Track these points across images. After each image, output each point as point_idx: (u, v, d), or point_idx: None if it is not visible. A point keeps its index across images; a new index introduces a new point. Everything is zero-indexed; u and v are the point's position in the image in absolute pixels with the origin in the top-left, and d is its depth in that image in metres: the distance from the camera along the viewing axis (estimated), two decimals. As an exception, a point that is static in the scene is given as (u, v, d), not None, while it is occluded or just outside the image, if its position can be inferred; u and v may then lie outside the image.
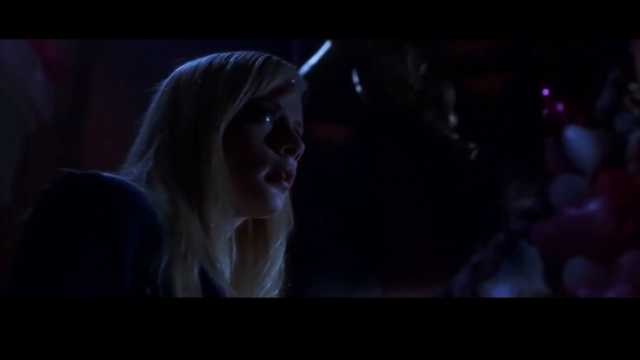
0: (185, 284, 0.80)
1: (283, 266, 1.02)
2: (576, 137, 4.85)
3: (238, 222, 0.98)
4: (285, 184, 0.95)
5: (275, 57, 0.99)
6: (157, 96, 0.99)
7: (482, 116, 6.00)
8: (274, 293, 1.02)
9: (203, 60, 0.98)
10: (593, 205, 4.37)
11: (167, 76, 1.05)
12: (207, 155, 0.89)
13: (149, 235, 0.81)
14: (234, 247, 0.99)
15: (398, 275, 5.89)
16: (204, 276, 0.84)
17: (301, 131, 1.00)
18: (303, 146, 0.95)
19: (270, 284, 1.00)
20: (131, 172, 0.91)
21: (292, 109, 0.97)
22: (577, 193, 4.62)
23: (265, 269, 1.00)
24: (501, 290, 5.45)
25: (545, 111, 5.09)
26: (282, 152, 0.94)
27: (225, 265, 0.92)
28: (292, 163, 0.97)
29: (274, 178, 0.93)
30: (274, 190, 0.93)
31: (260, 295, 1.00)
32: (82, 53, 5.30)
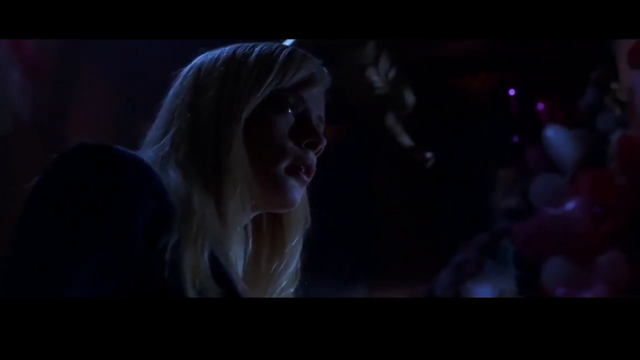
0: (195, 265, 0.78)
1: (299, 265, 1.01)
2: (556, 136, 4.84)
3: (254, 213, 0.97)
4: (305, 178, 0.93)
5: (300, 50, 0.98)
6: (176, 83, 0.97)
7: (468, 115, 6.00)
8: (290, 291, 1.01)
9: (226, 49, 0.96)
10: (571, 205, 4.36)
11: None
12: (227, 144, 0.88)
13: (161, 213, 0.78)
14: (250, 239, 0.97)
15: (384, 274, 5.89)
16: (215, 261, 0.82)
17: (322, 127, 0.99)
18: (325, 141, 0.94)
19: (286, 282, 0.99)
20: (147, 155, 0.89)
21: (315, 103, 0.96)
22: (557, 192, 4.61)
23: (281, 267, 0.99)
24: (483, 290, 5.45)
25: (526, 110, 5.08)
26: (303, 145, 0.93)
27: (239, 256, 0.91)
28: (312, 158, 0.95)
29: (294, 171, 0.92)
30: (293, 182, 0.92)
31: (276, 293, 0.98)
32: (63, 52, 5.29)
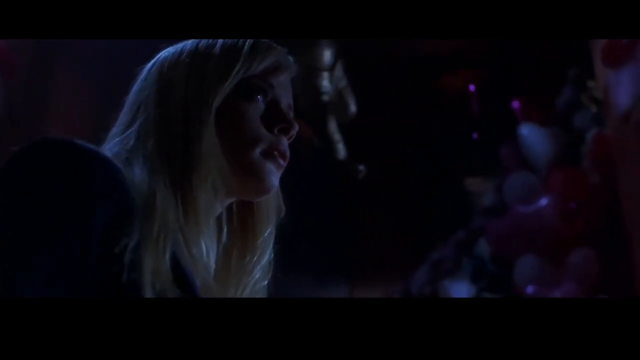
0: (156, 267, 0.76)
1: (272, 257, 1.00)
2: (531, 134, 4.84)
3: (228, 202, 0.96)
4: (281, 162, 0.93)
5: (265, 40, 0.98)
6: (140, 79, 0.97)
7: (444, 114, 6.00)
8: (263, 284, 0.99)
9: (189, 43, 0.96)
10: (542, 203, 4.36)
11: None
12: (198, 135, 0.87)
13: (121, 212, 0.76)
14: (224, 230, 0.96)
15: (361, 271, 5.90)
16: (176, 262, 0.80)
17: (292, 113, 0.99)
18: (297, 126, 0.94)
19: (259, 274, 0.98)
20: (109, 148, 0.89)
21: (284, 90, 0.96)
22: (530, 190, 4.61)
23: (254, 259, 0.98)
24: (460, 287, 5.45)
25: (501, 108, 5.08)
26: (275, 131, 0.93)
27: (211, 249, 0.89)
28: (285, 143, 0.95)
29: (269, 155, 0.92)
30: (270, 166, 0.92)
31: (249, 286, 0.97)
32: (39, 46, 5.28)
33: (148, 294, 0.75)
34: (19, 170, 0.75)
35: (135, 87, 0.96)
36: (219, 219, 0.94)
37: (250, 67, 0.92)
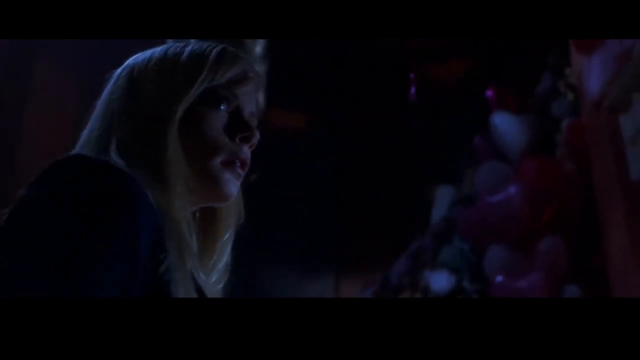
0: (184, 282, 0.80)
1: (229, 260, 1.01)
2: (503, 123, 4.79)
3: (193, 208, 0.98)
4: (240, 171, 0.95)
5: (232, 48, 0.99)
6: (110, 83, 0.98)
7: (429, 104, 5.96)
8: (219, 287, 1.01)
9: (158, 49, 0.98)
10: (510, 192, 4.32)
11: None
12: (164, 142, 0.89)
13: (157, 231, 0.80)
14: (194, 235, 0.95)
15: (346, 264, 5.90)
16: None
17: (255, 122, 1.01)
18: (258, 135, 0.96)
19: (216, 277, 1.00)
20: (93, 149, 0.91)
21: (248, 99, 0.98)
22: (500, 180, 4.57)
23: (211, 262, 1.00)
24: (440, 277, 5.43)
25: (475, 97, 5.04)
26: (237, 140, 0.95)
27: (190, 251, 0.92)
28: (247, 151, 0.97)
29: (229, 164, 0.94)
30: (228, 175, 0.94)
31: (207, 288, 0.97)
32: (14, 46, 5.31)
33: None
34: (58, 185, 0.76)
35: (105, 93, 0.98)
36: (189, 224, 0.94)
37: (215, 76, 0.94)
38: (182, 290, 0.80)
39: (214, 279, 1.00)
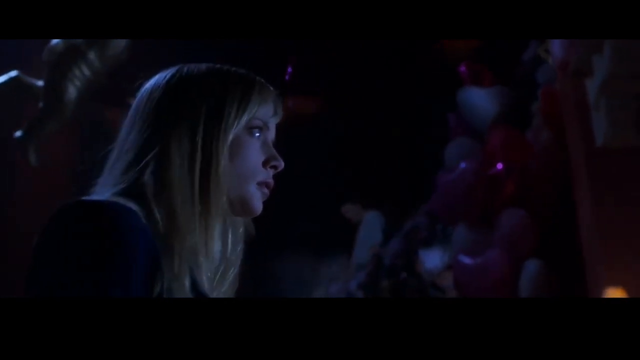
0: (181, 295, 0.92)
1: (237, 271, 1.13)
2: (471, 97, 4.65)
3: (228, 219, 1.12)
4: (267, 192, 1.08)
5: (265, 82, 1.13)
6: (149, 96, 1.05)
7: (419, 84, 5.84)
8: (231, 294, 1.12)
9: (203, 69, 1.07)
10: (464, 168, 4.19)
11: None
12: (216, 163, 1.01)
13: (152, 257, 0.91)
14: (230, 236, 1.10)
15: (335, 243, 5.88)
16: (194, 286, 0.96)
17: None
18: (283, 164, 1.10)
19: (226, 287, 1.11)
20: (118, 185, 0.99)
21: (272, 129, 1.11)
22: (469, 154, 4.45)
23: (229, 272, 1.11)
24: (433, 256, 5.34)
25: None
26: (268, 167, 1.08)
27: (216, 261, 1.05)
28: (271, 176, 1.12)
29: (262, 185, 1.07)
30: (259, 195, 1.07)
31: (221, 295, 1.09)
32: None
33: None
34: (63, 232, 0.89)
35: (145, 105, 1.05)
36: (225, 235, 1.09)
37: (258, 109, 1.07)
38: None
39: (224, 288, 1.09)
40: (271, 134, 1.11)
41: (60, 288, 0.85)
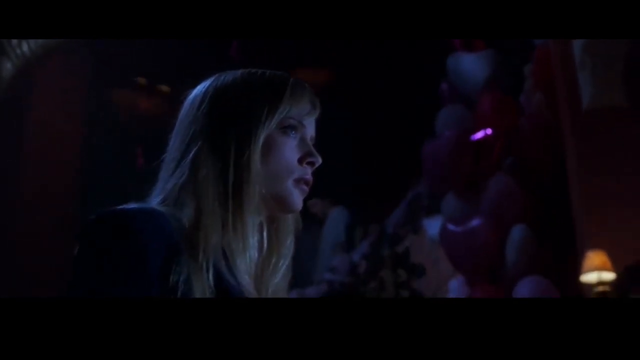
0: (202, 292, 0.96)
1: (289, 262, 1.17)
2: (461, 63, 4.59)
3: (261, 219, 1.16)
4: (305, 188, 1.11)
5: (302, 81, 1.18)
6: (191, 107, 1.12)
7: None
8: (285, 284, 1.18)
9: (237, 76, 1.13)
10: (447, 135, 4.15)
11: None
12: (247, 164, 1.05)
13: (170, 256, 0.96)
14: (265, 239, 1.14)
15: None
16: (220, 278, 0.99)
17: (313, 144, 1.20)
18: (320, 160, 1.13)
19: (280, 276, 1.16)
20: (164, 188, 1.07)
21: (310, 127, 1.14)
22: (459, 122, 4.41)
23: (280, 264, 1.16)
24: (436, 224, 5.32)
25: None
26: (304, 164, 1.10)
27: (254, 257, 1.08)
28: (309, 172, 1.15)
29: (299, 182, 1.10)
30: (297, 192, 1.10)
31: (273, 285, 1.14)
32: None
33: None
34: (90, 241, 0.98)
35: (187, 115, 1.11)
36: (260, 232, 1.14)
37: (292, 108, 1.09)
38: (198, 295, 0.95)
39: (277, 279, 1.14)
40: (309, 131, 1.13)
41: (81, 291, 0.94)
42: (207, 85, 1.13)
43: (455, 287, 4.62)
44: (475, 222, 4.05)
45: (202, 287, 0.96)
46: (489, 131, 4.08)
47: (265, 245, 1.13)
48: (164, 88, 6.48)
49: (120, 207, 1.00)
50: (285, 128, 1.09)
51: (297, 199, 1.10)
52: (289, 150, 1.10)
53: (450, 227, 4.21)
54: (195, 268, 0.97)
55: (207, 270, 0.97)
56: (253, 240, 1.06)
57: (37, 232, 5.54)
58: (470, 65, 4.58)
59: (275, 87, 1.11)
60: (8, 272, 5.22)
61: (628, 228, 3.88)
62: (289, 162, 1.09)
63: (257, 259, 1.11)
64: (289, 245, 1.15)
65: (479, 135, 4.05)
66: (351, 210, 5.89)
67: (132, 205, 1.01)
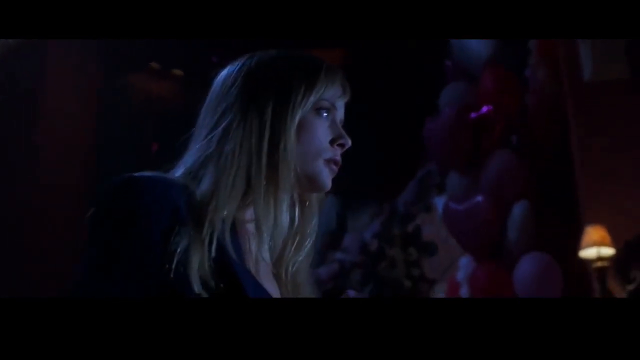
0: (201, 263, 0.98)
1: (313, 241, 1.21)
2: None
3: (295, 195, 1.22)
4: (335, 169, 1.14)
5: (334, 65, 1.23)
6: (222, 84, 1.14)
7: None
8: (309, 262, 1.22)
9: (272, 56, 1.16)
10: (447, 112, 4.12)
11: None
12: (284, 142, 1.08)
13: (173, 221, 0.99)
14: (296, 216, 1.17)
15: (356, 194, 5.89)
16: (222, 252, 1.01)
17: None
18: (350, 143, 1.15)
19: (303, 255, 1.20)
20: (188, 160, 1.10)
21: (340, 109, 1.17)
22: (462, 99, 4.38)
23: (306, 242, 1.21)
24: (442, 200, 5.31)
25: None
26: (335, 145, 1.13)
27: (280, 234, 1.12)
28: (339, 153, 1.18)
29: (329, 162, 1.13)
30: (327, 172, 1.13)
31: (298, 262, 1.16)
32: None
33: (195, 284, 0.97)
34: (104, 205, 1.03)
35: (218, 92, 1.14)
36: (292, 209, 1.15)
37: (325, 91, 1.13)
38: (195, 267, 0.97)
39: (301, 257, 1.17)
40: (339, 114, 1.16)
41: (90, 260, 0.98)
42: (240, 64, 1.15)
43: (465, 264, 4.62)
44: (475, 199, 4.03)
45: (201, 259, 0.98)
46: (490, 107, 4.04)
47: (296, 223, 1.15)
48: (177, 72, 6.55)
49: (134, 173, 1.02)
50: (319, 109, 1.12)
51: (327, 178, 1.12)
52: (322, 131, 1.12)
53: (452, 205, 4.20)
54: (196, 239, 0.99)
55: (210, 243, 0.99)
56: (286, 216, 1.09)
57: (54, 221, 5.63)
58: (474, 41, 4.54)
59: (311, 69, 1.14)
60: (24, 258, 5.33)
61: (629, 202, 3.83)
62: (321, 142, 1.11)
63: (285, 236, 1.13)
64: (313, 225, 1.18)
65: (480, 112, 4.02)
66: (340, 199, 5.88)
67: (144, 173, 1.03)
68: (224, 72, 1.16)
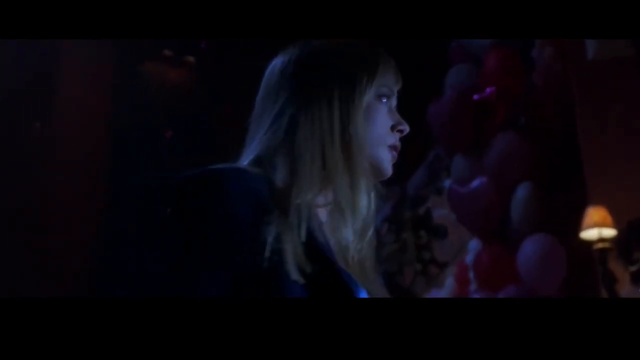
0: (293, 249, 0.99)
1: (373, 230, 1.20)
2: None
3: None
4: (395, 155, 1.15)
5: (386, 54, 1.25)
6: (279, 73, 1.14)
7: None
8: (372, 252, 1.20)
9: (328, 45, 1.17)
10: (448, 95, 4.08)
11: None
12: (355, 128, 1.08)
13: (260, 211, 1.00)
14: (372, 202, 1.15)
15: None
16: (311, 235, 1.02)
17: None
18: (409, 129, 1.16)
19: (364, 244, 1.15)
20: (255, 149, 1.10)
21: (395, 96, 1.18)
22: (466, 80, 4.34)
23: (363, 229, 1.18)
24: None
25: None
26: (395, 131, 1.14)
27: (362, 214, 1.10)
28: (399, 139, 1.22)
29: (392, 148, 1.14)
30: (390, 157, 1.14)
31: (365, 248, 1.14)
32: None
33: (292, 272, 0.98)
34: (189, 198, 1.03)
35: (276, 82, 1.14)
36: (368, 194, 1.13)
37: (385, 78, 1.15)
38: (290, 254, 0.98)
39: (362, 245, 1.14)
40: (394, 101, 1.17)
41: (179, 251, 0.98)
42: (296, 52, 1.15)
43: (474, 247, 4.59)
44: (479, 181, 4.01)
45: (293, 243, 0.98)
46: (493, 89, 4.00)
47: (372, 207, 1.13)
48: (190, 59, 6.55)
49: (210, 167, 1.02)
50: (380, 96, 1.13)
51: (389, 165, 1.13)
52: (384, 117, 1.13)
53: (455, 187, 4.17)
54: (285, 225, 0.99)
55: (299, 227, 1.00)
56: (368, 199, 1.08)
57: (71, 208, 5.68)
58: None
59: (372, 57, 1.15)
60: (37, 247, 5.39)
61: (632, 182, 3.77)
62: (384, 128, 1.12)
63: (365, 219, 1.11)
64: (374, 212, 1.15)
65: (484, 93, 3.98)
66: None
67: (222, 166, 1.03)
68: (277, 63, 1.15)
